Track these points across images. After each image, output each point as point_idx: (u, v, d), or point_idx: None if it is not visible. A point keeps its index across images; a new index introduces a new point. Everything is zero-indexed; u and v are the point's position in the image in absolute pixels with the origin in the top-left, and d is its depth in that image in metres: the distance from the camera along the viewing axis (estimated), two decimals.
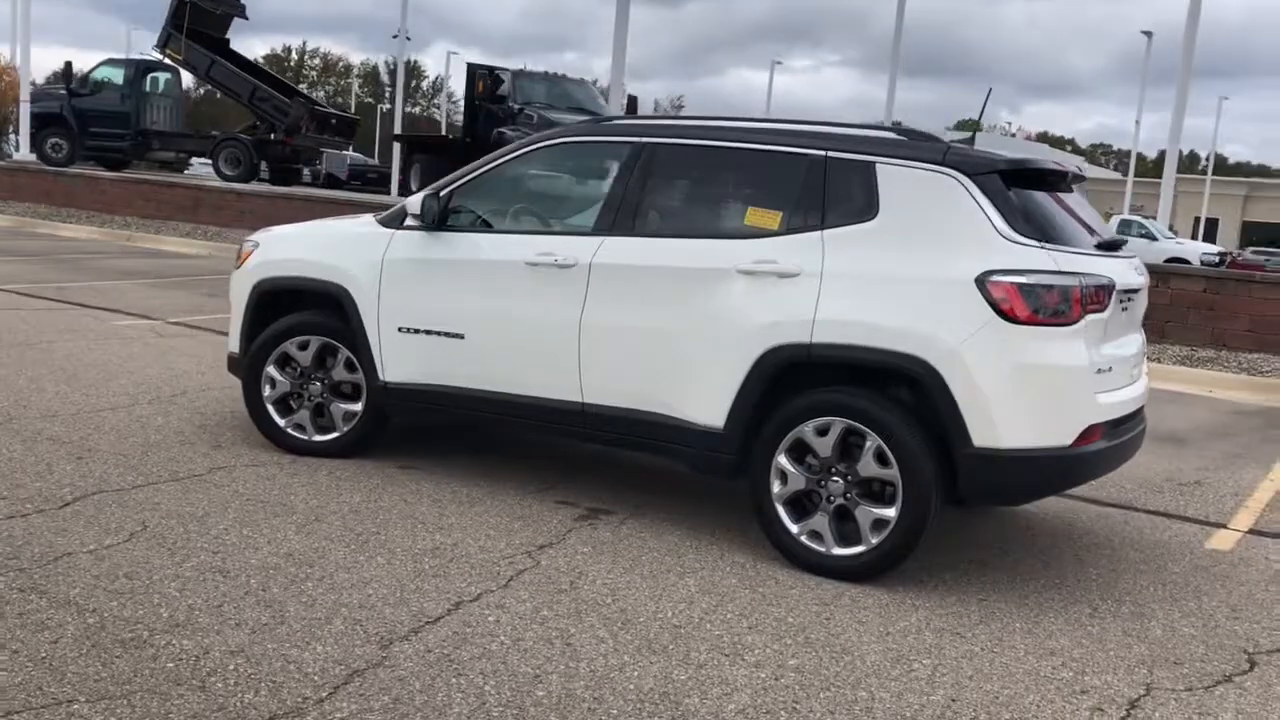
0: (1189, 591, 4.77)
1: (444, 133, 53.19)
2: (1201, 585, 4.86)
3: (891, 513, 4.43)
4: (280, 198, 19.85)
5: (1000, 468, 4.33)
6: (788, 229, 4.72)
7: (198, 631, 3.60)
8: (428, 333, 5.45)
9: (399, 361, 5.53)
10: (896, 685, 3.61)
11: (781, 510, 4.65)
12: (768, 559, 4.70)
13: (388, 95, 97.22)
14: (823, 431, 4.55)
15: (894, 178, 4.58)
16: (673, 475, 5.83)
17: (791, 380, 4.64)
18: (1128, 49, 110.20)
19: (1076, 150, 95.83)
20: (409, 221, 5.54)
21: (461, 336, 5.37)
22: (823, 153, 4.74)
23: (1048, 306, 4.30)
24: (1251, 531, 5.79)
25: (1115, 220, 32.29)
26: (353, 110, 48.96)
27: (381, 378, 5.58)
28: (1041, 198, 4.66)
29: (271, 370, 5.85)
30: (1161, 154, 46.71)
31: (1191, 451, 7.68)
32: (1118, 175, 77.19)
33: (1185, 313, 11.61)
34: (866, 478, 4.49)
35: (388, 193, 29.89)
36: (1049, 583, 4.74)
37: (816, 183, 4.71)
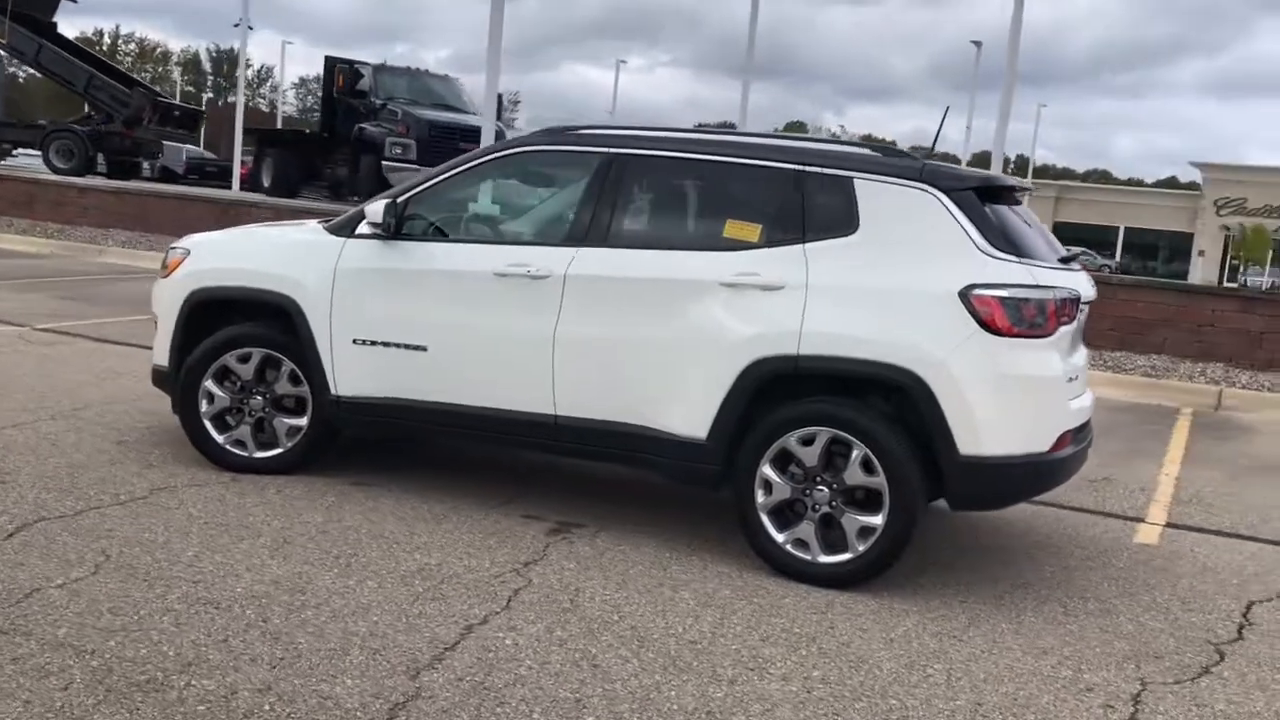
0: (1139, 586, 5.04)
1: (279, 125, 51.54)
2: (1148, 579, 5.15)
3: (878, 520, 4.53)
4: (127, 193, 18.86)
5: (984, 475, 4.49)
6: (768, 242, 4.77)
7: (214, 670, 3.42)
8: (385, 345, 5.30)
9: (354, 375, 5.35)
10: (921, 692, 3.71)
11: (766, 520, 4.70)
12: (752, 568, 4.75)
13: (210, 84, 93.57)
14: (807, 441, 4.62)
15: (872, 193, 4.68)
16: (628, 485, 5.83)
17: (775, 391, 4.70)
18: (943, 54, 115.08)
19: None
20: (363, 229, 5.37)
21: (424, 349, 5.23)
22: (800, 167, 4.81)
23: (1026, 319, 4.48)
24: (1169, 525, 6.16)
25: None
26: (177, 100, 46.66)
27: (334, 391, 5.39)
28: (1006, 212, 4.84)
29: (210, 385, 5.57)
30: (976, 157, 49.28)
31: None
32: None
33: None
34: (852, 486, 4.58)
35: (229, 187, 28.75)
36: (1015, 582, 4.94)
37: (794, 197, 4.78)
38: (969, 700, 3.67)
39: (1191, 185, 71.42)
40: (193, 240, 5.90)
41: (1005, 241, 4.59)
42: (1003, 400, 4.46)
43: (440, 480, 5.72)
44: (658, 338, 4.84)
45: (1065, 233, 61.82)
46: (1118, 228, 65.23)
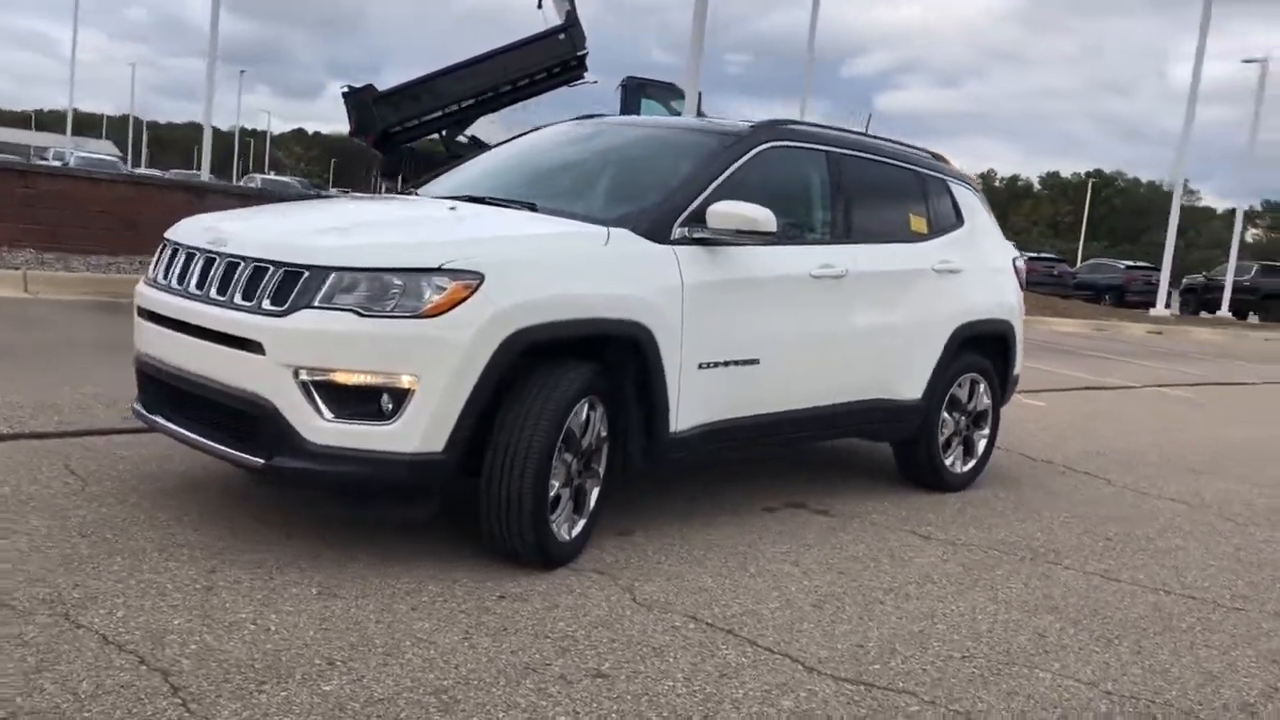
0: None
1: None
2: None
3: (987, 430, 6.33)
4: None
5: (1015, 382, 6.64)
6: (934, 234, 5.91)
7: None
8: (725, 364, 4.72)
9: (694, 404, 4.60)
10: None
11: (940, 451, 6.02)
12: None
13: None
14: (962, 385, 6.09)
15: (959, 193, 6.22)
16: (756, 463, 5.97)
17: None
18: None
19: None
20: (680, 234, 4.54)
21: (756, 361, 4.85)
22: (924, 170, 6.02)
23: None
24: None
25: None
26: None
27: (674, 427, 4.54)
28: None
29: (555, 461, 4.05)
30: None
31: None
32: None
33: None
34: (978, 411, 6.24)
35: None
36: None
37: (930, 194, 6.00)
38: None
39: None
40: (481, 257, 3.82)
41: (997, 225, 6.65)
42: (1021, 332, 6.64)
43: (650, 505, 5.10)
44: (903, 319, 5.60)
45: None
46: None
